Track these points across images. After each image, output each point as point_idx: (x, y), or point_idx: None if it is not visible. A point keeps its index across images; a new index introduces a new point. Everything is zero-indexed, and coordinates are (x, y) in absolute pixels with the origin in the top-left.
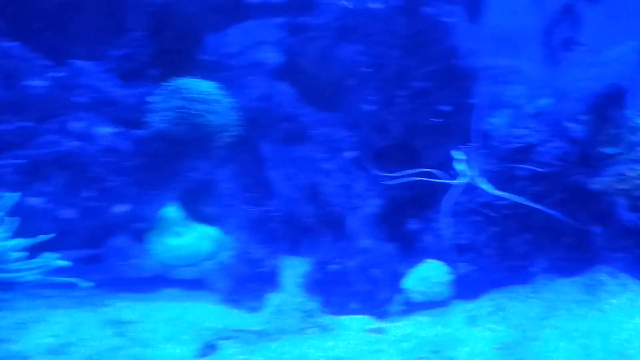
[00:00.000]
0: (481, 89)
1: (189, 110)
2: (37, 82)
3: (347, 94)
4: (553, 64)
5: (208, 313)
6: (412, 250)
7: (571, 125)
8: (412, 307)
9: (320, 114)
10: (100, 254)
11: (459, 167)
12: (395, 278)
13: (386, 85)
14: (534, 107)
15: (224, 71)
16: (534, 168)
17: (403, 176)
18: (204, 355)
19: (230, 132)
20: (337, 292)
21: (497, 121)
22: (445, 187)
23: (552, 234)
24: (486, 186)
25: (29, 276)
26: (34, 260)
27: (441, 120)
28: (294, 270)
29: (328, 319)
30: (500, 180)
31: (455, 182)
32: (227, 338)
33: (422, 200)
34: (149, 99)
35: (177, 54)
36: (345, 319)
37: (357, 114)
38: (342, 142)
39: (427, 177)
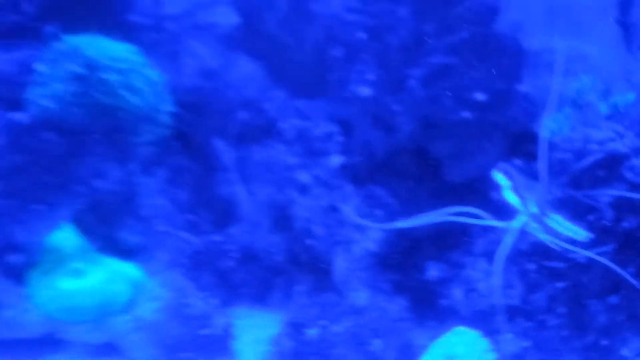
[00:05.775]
0: (531, 78)
1: (94, 85)
2: None
3: (333, 72)
4: (630, 50)
5: None
6: (431, 312)
7: None
8: None
9: (294, 100)
10: None
11: (509, 197)
12: (407, 353)
13: (391, 59)
14: (609, 105)
15: (154, 34)
16: (627, 194)
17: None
18: None
19: (160, 121)
20: None
21: (555, 124)
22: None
23: None
24: (565, 231)
25: None
26: None
27: (473, 115)
28: (255, 333)
29: None
30: (574, 215)
31: (504, 223)
32: None
33: (444, 234)
34: (33, 66)
35: (86, 7)
36: None
37: (348, 102)
38: (326, 142)
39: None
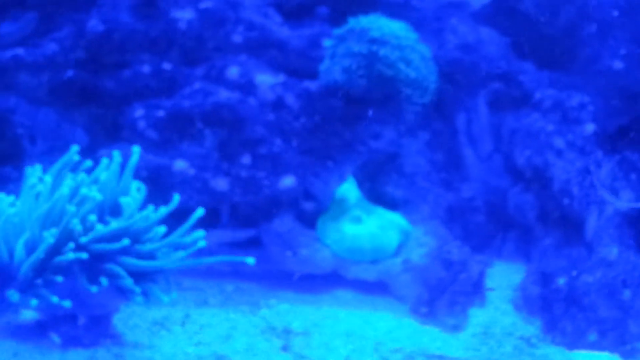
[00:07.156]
0: None
1: (377, 59)
2: (185, 14)
3: (585, 46)
4: None
5: (393, 328)
6: None
7: None
8: None
9: (546, 72)
10: (258, 238)
11: None
12: None
13: None
14: None
15: (412, 12)
16: None
17: None
18: None
19: (427, 90)
20: (567, 315)
21: None
22: None
23: None
24: None
25: (172, 260)
26: (176, 238)
27: None
28: (504, 279)
29: (555, 352)
30: None
31: None
32: None
33: None
34: (323, 42)
35: None
36: (579, 354)
37: (600, 74)
38: (580, 111)
39: None
